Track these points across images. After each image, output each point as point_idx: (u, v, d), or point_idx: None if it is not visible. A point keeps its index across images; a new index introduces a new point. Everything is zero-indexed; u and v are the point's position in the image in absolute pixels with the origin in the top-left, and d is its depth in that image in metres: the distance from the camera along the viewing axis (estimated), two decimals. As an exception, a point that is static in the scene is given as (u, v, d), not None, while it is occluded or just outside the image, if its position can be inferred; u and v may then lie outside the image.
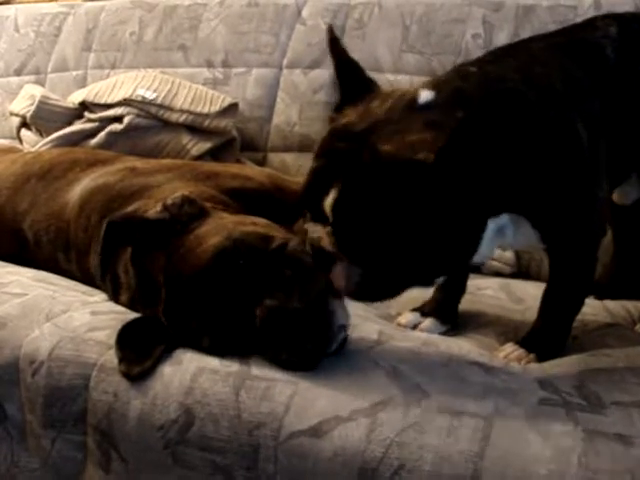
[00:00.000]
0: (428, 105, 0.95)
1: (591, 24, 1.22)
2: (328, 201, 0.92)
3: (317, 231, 0.95)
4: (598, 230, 1.12)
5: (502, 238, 1.03)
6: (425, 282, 1.01)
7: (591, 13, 1.60)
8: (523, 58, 1.08)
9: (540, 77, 1.04)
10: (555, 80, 1.05)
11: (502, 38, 1.68)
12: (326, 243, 0.94)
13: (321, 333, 0.99)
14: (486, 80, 1.00)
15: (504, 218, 1.01)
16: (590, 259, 1.12)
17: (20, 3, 2.44)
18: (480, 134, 0.88)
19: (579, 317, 1.21)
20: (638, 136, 1.17)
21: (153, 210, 1.16)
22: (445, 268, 0.99)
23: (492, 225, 0.99)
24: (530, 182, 0.97)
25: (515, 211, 1.01)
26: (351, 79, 1.02)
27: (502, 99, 0.86)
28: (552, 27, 1.30)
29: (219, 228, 1.10)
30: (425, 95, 0.96)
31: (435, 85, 0.99)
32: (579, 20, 1.36)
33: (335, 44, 1.04)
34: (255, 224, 1.13)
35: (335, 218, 0.92)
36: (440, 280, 1.02)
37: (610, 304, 1.37)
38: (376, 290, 0.98)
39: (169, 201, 1.16)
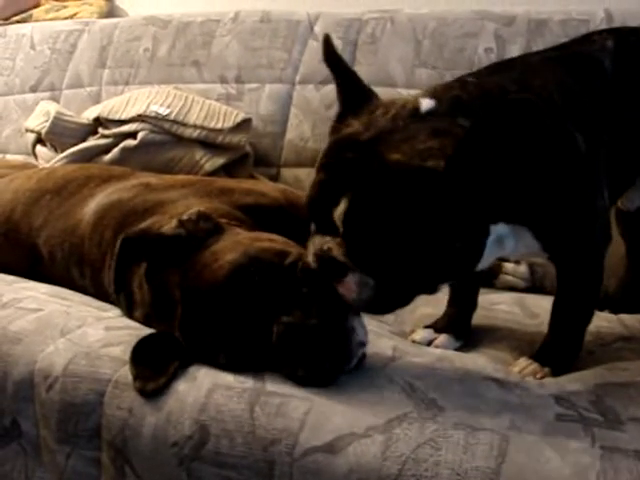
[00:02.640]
0: (430, 113, 0.95)
1: (588, 38, 1.23)
2: (338, 212, 0.91)
3: (327, 242, 0.94)
4: (601, 238, 1.11)
5: (502, 248, 1.02)
6: (433, 288, 1.00)
7: (603, 26, 1.61)
8: (521, 71, 1.09)
9: (538, 89, 1.04)
10: (553, 92, 1.05)
11: (514, 52, 1.68)
12: (337, 254, 0.93)
13: (340, 350, 0.99)
14: (484, 89, 1.00)
15: (504, 228, 1.00)
16: (596, 268, 1.11)
17: (36, 21, 2.46)
18: (488, 142, 0.88)
19: (595, 331, 1.20)
20: (637, 144, 1.17)
21: (168, 226, 1.17)
22: (453, 274, 0.99)
23: (491, 235, 0.98)
24: (530, 191, 0.97)
25: (516, 220, 1.01)
26: (351, 89, 1.02)
27: (512, 107, 0.86)
28: (564, 40, 1.30)
29: (235, 244, 1.10)
30: (426, 103, 0.96)
31: (434, 94, 0.99)
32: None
33: (332, 54, 1.03)
34: (271, 240, 1.13)
35: (346, 229, 0.92)
36: (445, 285, 1.01)
37: (625, 318, 1.36)
38: (388, 300, 0.97)
39: (184, 217, 1.16)
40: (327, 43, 1.04)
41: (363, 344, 1.03)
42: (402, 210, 0.89)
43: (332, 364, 0.99)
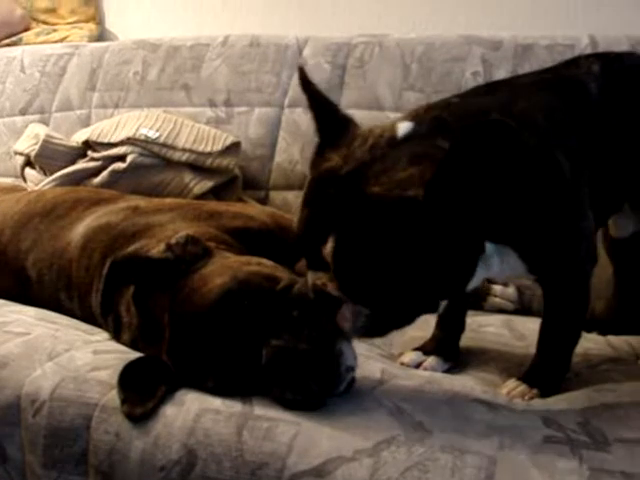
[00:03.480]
0: (408, 137, 0.94)
1: (575, 62, 1.24)
2: (327, 250, 0.91)
3: (320, 278, 0.94)
4: (586, 260, 1.12)
5: (488, 268, 1.02)
6: (428, 310, 1.00)
7: (588, 51, 1.63)
8: (506, 93, 1.09)
9: (522, 111, 1.04)
10: (537, 114, 1.06)
11: (501, 76, 1.69)
12: (331, 288, 0.93)
13: (328, 374, 0.99)
14: (466, 110, 1.01)
15: (489, 247, 0.99)
16: (582, 289, 1.12)
17: (27, 44, 2.47)
18: (464, 165, 0.87)
19: (582, 352, 1.21)
20: (624, 168, 1.19)
21: (157, 249, 1.17)
22: (447, 292, 0.99)
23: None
24: (514, 212, 0.97)
25: (501, 241, 1.01)
26: (328, 120, 1.00)
27: (488, 129, 0.86)
28: (549, 65, 1.32)
29: (224, 268, 1.10)
30: (403, 127, 0.96)
31: (414, 116, 0.99)
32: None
33: (308, 85, 1.02)
34: (260, 264, 1.14)
35: (336, 266, 0.91)
36: (442, 306, 1.01)
37: (613, 339, 1.36)
38: (383, 325, 0.97)
39: (173, 241, 1.16)
40: (302, 74, 1.02)
41: (352, 368, 1.03)
42: (388, 242, 0.89)
43: (321, 388, 0.99)
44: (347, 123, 1.00)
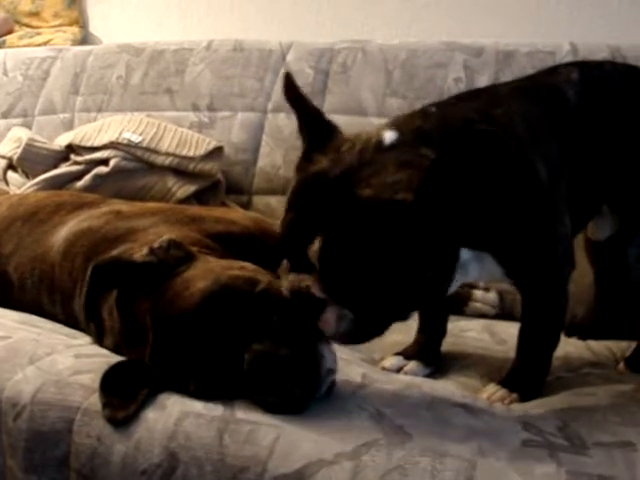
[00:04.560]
0: (394, 145, 0.96)
1: (554, 70, 1.26)
2: (313, 250, 0.92)
3: (304, 279, 0.95)
4: (564, 264, 1.13)
5: (466, 274, 1.04)
6: (406, 315, 1.01)
7: (569, 59, 1.64)
8: (484, 100, 1.11)
9: (500, 117, 1.06)
10: (516, 121, 1.07)
11: (483, 82, 1.71)
12: (316, 291, 0.94)
13: (309, 378, 1.00)
14: (446, 119, 1.02)
15: (467, 254, 1.01)
16: (559, 294, 1.13)
17: (10, 47, 2.46)
18: (453, 172, 0.89)
19: (562, 356, 1.22)
20: (603, 172, 1.20)
21: (139, 254, 1.16)
22: (427, 300, 1.00)
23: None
24: (492, 218, 0.98)
25: (479, 246, 1.02)
26: (314, 125, 1.01)
27: (475, 138, 0.87)
28: (531, 72, 1.33)
29: (206, 272, 1.10)
30: (389, 136, 0.97)
31: (397, 125, 1.00)
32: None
33: (294, 91, 1.03)
34: (242, 268, 1.14)
35: (323, 266, 0.92)
36: (417, 311, 1.02)
37: (593, 344, 1.38)
38: (365, 330, 0.98)
39: (156, 245, 1.16)
40: (288, 80, 1.03)
41: (332, 371, 1.03)
42: (376, 243, 0.90)
43: (302, 391, 1.00)
44: (332, 129, 1.01)
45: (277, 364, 0.98)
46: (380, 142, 0.96)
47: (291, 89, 1.03)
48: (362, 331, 0.98)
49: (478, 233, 0.98)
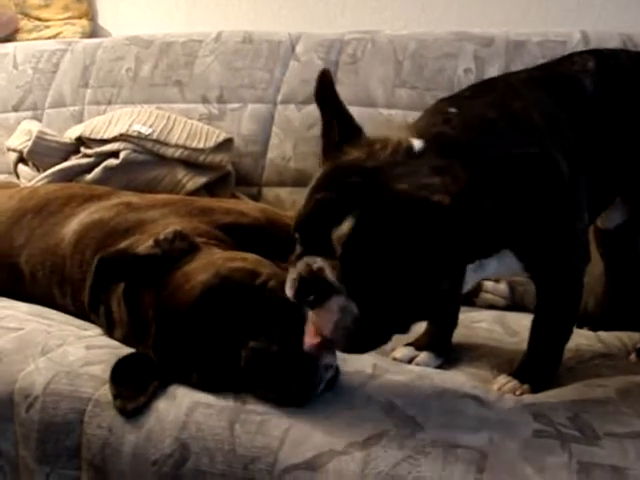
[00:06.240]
0: (422, 152, 0.95)
1: (569, 59, 1.24)
2: (339, 233, 0.90)
3: (318, 263, 0.92)
4: (580, 257, 1.13)
5: (483, 271, 1.03)
6: (407, 327, 0.98)
7: (580, 48, 1.63)
8: (500, 92, 1.10)
9: (519, 112, 1.05)
10: (534, 114, 1.07)
11: (493, 73, 1.70)
12: (329, 275, 0.91)
13: (306, 374, 0.99)
14: (467, 123, 1.01)
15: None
16: (575, 286, 1.13)
17: (19, 41, 2.47)
18: (494, 187, 0.90)
19: (573, 347, 1.21)
20: (619, 163, 1.19)
21: (144, 246, 1.17)
22: (438, 306, 0.98)
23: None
24: (518, 219, 0.98)
25: (502, 246, 1.02)
26: (346, 122, 1.01)
27: (520, 163, 0.89)
28: (542, 62, 1.32)
29: (208, 265, 1.10)
30: (417, 144, 0.96)
31: (421, 133, 0.99)
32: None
33: (329, 90, 1.02)
34: (244, 260, 1.13)
35: (346, 251, 0.90)
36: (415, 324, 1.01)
37: (604, 335, 1.37)
38: (365, 334, 0.94)
39: (161, 236, 1.16)
40: (325, 78, 1.02)
41: (331, 367, 1.03)
42: (405, 239, 0.89)
43: (299, 387, 0.99)
44: (360, 130, 1.01)
45: (271, 361, 0.98)
46: (410, 148, 0.95)
47: (327, 88, 1.02)
48: (361, 334, 0.94)
49: (503, 234, 0.98)
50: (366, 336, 0.94)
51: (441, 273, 0.92)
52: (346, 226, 0.89)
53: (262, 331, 1.00)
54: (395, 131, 1.01)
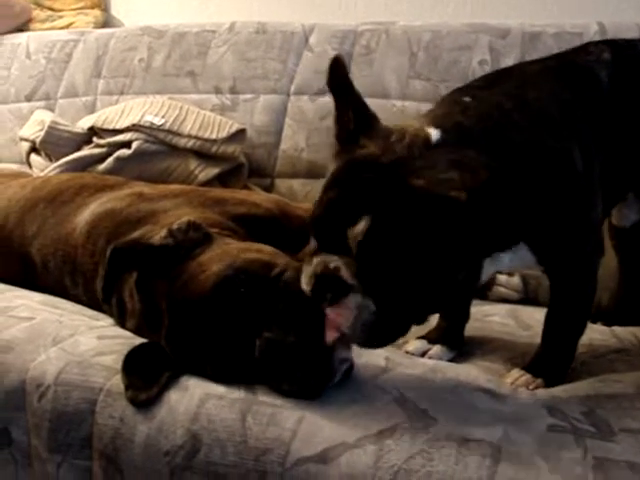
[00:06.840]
0: (439, 144, 0.94)
1: (585, 49, 1.23)
2: (355, 232, 0.89)
3: (334, 261, 0.92)
4: (594, 251, 1.12)
5: (497, 264, 1.03)
6: (424, 319, 0.99)
7: (597, 39, 1.61)
8: (515, 82, 1.09)
9: (534, 102, 1.04)
10: (549, 105, 1.06)
11: (508, 64, 1.67)
12: (345, 274, 0.91)
13: (320, 367, 0.99)
14: (483, 113, 1.00)
15: None
16: (589, 280, 1.12)
17: (32, 31, 2.47)
18: (511, 180, 0.90)
19: (587, 343, 1.20)
20: (632, 157, 1.18)
21: (158, 236, 1.16)
22: (455, 297, 0.99)
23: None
24: (533, 212, 0.98)
25: (517, 240, 1.02)
26: (361, 111, 0.99)
27: (542, 158, 0.90)
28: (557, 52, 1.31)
29: (222, 255, 1.10)
30: (435, 134, 0.95)
31: (437, 123, 0.97)
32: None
33: (343, 78, 1.00)
34: (259, 251, 1.13)
35: (362, 249, 0.89)
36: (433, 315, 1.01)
37: (618, 330, 1.36)
38: (383, 330, 0.95)
39: (174, 226, 1.16)
40: (338, 64, 0.99)
41: (346, 360, 1.02)
42: (421, 236, 0.88)
43: (313, 379, 0.99)
44: (375, 118, 0.99)
45: (286, 352, 0.98)
46: (428, 139, 0.94)
47: (341, 76, 0.99)
48: (379, 329, 0.94)
49: (517, 228, 0.98)
50: (384, 330, 0.94)
51: (457, 268, 0.92)
52: (361, 226, 0.89)
53: (277, 322, 0.99)
54: (410, 121, 1.00)
